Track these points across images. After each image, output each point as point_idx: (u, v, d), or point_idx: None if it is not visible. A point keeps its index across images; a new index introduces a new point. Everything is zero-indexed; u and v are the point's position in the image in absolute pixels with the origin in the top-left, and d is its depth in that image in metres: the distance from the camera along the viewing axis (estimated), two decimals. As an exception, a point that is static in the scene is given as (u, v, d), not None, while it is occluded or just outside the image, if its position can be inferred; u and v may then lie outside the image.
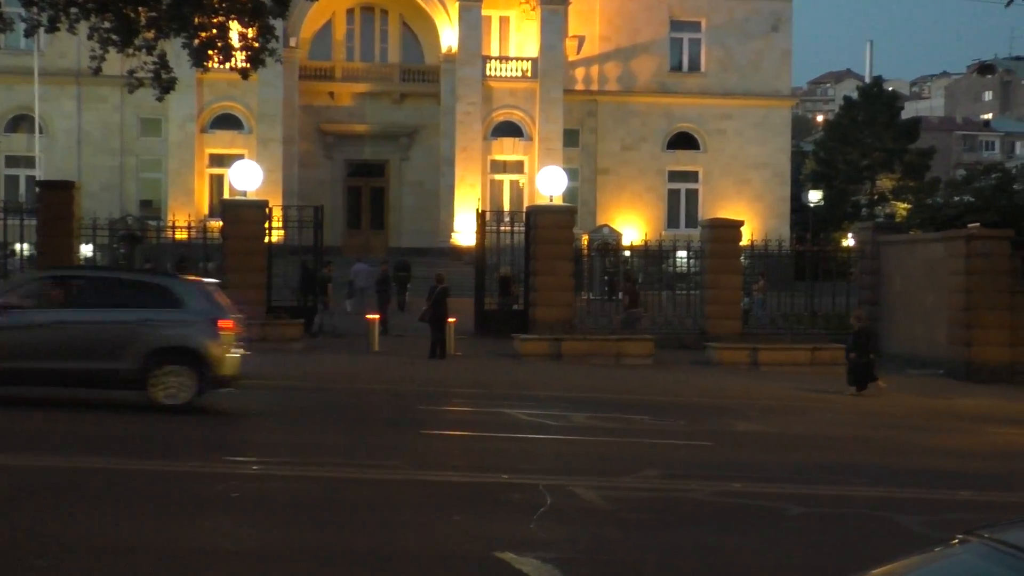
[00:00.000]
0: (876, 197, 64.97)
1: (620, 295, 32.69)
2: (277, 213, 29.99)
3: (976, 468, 14.73)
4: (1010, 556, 3.66)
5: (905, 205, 61.95)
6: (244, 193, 29.50)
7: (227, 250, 28.06)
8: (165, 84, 21.74)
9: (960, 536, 4.03)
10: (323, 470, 11.97)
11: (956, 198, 51.59)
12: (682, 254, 33.08)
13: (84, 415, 15.16)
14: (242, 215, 28.34)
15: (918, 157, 65.33)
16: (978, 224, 29.70)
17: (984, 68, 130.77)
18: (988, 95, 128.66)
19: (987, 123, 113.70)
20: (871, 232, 32.51)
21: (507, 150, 49.00)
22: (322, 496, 10.73)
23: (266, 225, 28.73)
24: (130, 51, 21.53)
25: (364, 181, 50.97)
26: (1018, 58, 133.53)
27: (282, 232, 31.08)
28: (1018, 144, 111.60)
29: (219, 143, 47.04)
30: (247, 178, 29.51)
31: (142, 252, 34.45)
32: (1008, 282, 27.30)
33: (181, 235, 31.19)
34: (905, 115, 72.42)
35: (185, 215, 36.39)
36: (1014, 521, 4.08)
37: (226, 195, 41.90)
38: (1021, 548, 3.66)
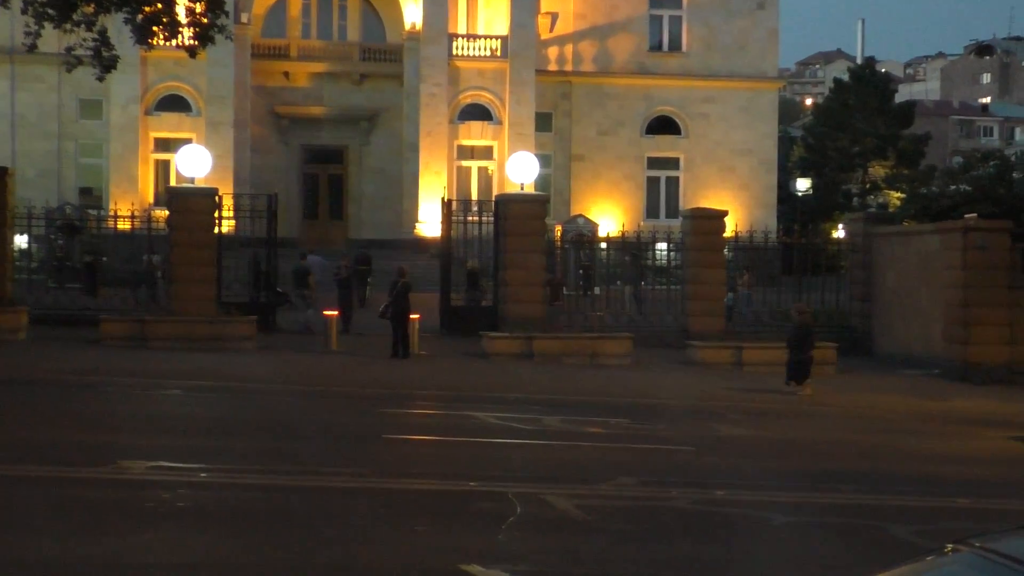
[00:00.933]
0: (868, 186, 65.38)
1: (596, 290, 32.78)
2: (228, 202, 29.86)
3: (973, 474, 14.88)
4: (1002, 566, 3.72)
5: (898, 195, 62.39)
6: (192, 180, 29.36)
7: (174, 242, 27.91)
8: (106, 63, 21.62)
9: (951, 545, 4.09)
10: (278, 478, 11.95)
11: (952, 187, 52.02)
12: (662, 246, 33.16)
13: None
14: (190, 204, 28.20)
15: (912, 143, 65.80)
16: (975, 215, 29.91)
17: (982, 49, 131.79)
18: (986, 78, 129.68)
19: (985, 107, 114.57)
20: (862, 223, 32.72)
21: (475, 135, 48.95)
22: (277, 506, 10.72)
23: (216, 215, 28.59)
24: (68, 27, 21.38)
25: (322, 168, 50.78)
26: (1018, 38, 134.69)
27: (233, 223, 30.94)
28: (1018, 130, 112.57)
29: (165, 126, 46.75)
30: (195, 164, 29.37)
31: (81, 243, 34.27)
32: (1007, 277, 27.50)
33: (124, 225, 30.99)
34: (899, 99, 73.00)
35: (128, 204, 36.19)
36: (1006, 530, 4.14)
37: (172, 182, 41.58)
38: (1013, 558, 3.72)
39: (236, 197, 31.40)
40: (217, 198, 28.78)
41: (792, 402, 21.89)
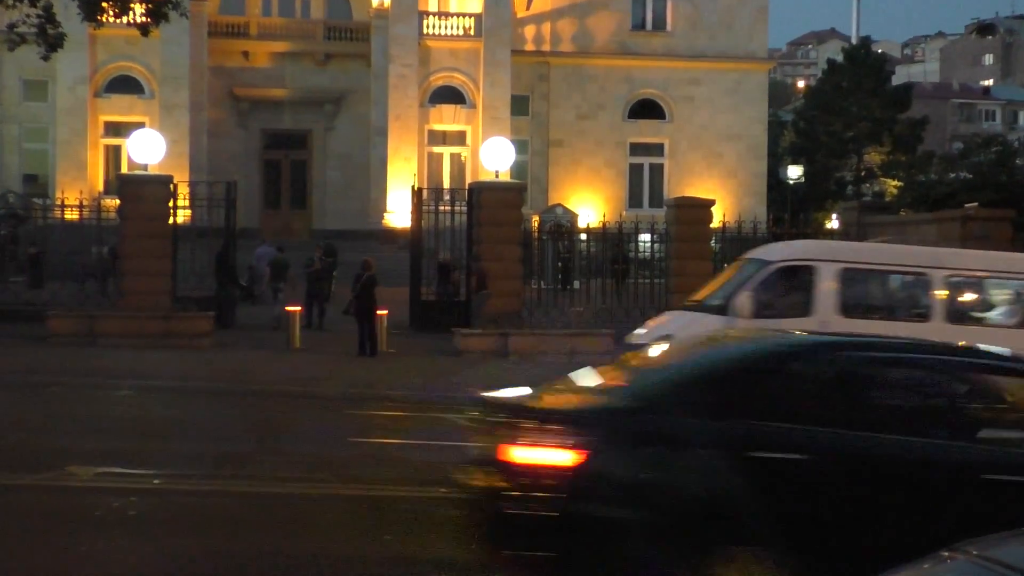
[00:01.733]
0: (863, 173, 65.67)
1: (576, 283, 32.83)
2: (183, 190, 29.73)
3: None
4: (997, 573, 3.76)
5: (895, 182, 62.65)
6: (145, 167, 29.23)
7: (125, 233, 27.77)
8: (52, 41, 21.49)
9: (946, 552, 4.12)
10: (236, 484, 11.92)
11: (952, 174, 52.25)
12: (645, 237, 33.22)
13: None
14: (143, 192, 28.06)
15: (909, 128, 66.11)
16: (976, 204, 30.08)
17: (984, 28, 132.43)
18: (988, 59, 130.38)
19: (987, 90, 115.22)
20: (857, 212, 32.93)
21: (447, 119, 48.92)
22: (235, 515, 10.69)
23: (170, 204, 28.49)
24: (10, 2, 21.23)
25: (283, 154, 50.65)
26: (1021, 17, 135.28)
27: (189, 212, 30.84)
28: (1021, 114, 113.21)
29: (116, 109, 46.53)
30: (148, 149, 29.24)
31: (26, 234, 34.05)
32: (1008, 269, 27.64)
33: (71, 215, 30.82)
34: (895, 81, 73.26)
35: (76, 192, 35.95)
36: (1004, 536, 4.18)
37: (124, 169, 41.50)
38: (1007, 564, 3.76)
39: (192, 185, 31.29)
40: (172, 186, 28.66)
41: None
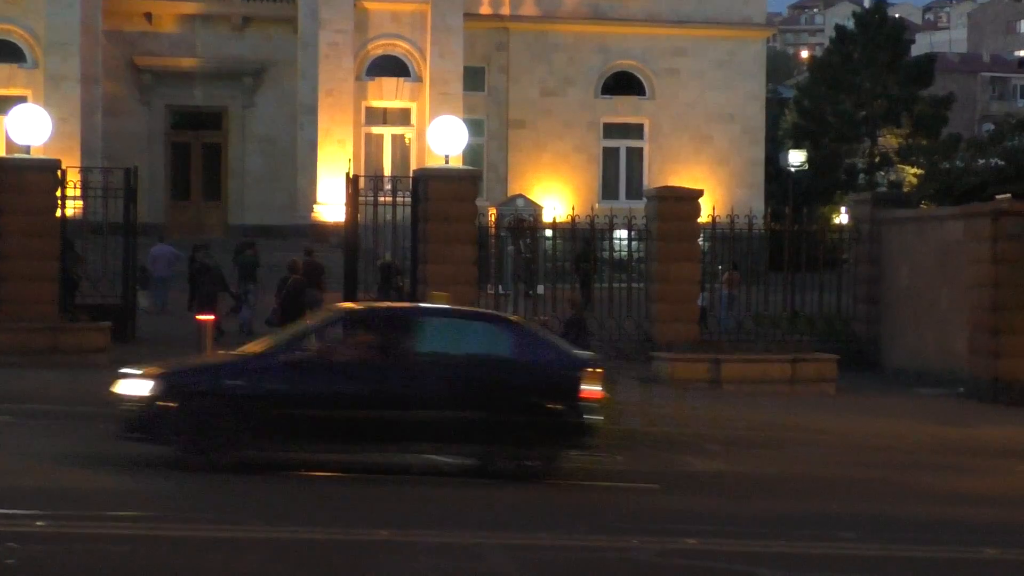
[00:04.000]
0: (877, 160, 66.17)
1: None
2: (74, 177, 29.55)
3: (1002, 518, 15.11)
4: None
5: (914, 170, 63.17)
6: (27, 150, 29.05)
7: (3, 229, 27.63)
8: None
9: None
10: (135, 526, 11.88)
11: (981, 161, 52.72)
12: (621, 235, 33.28)
13: None
14: (25, 180, 27.90)
15: (932, 107, 66.68)
16: (1009, 196, 30.27)
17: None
18: (1023, 25, 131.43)
19: (1022, 62, 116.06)
20: (869, 206, 33.04)
21: (388, 94, 48.83)
22: (133, 563, 10.66)
23: (58, 194, 28.35)
24: None
25: (194, 135, 50.44)
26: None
27: (81, 204, 30.67)
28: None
29: (-8, 81, 46.28)
30: (31, 129, 29.05)
31: None
32: (1047, 273, 27.88)
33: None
34: (915, 52, 73.92)
35: (-55, 180, 35.68)
36: None
37: (2, 152, 41.20)
38: None
39: (85, 171, 31.09)
40: (59, 173, 28.51)
41: (762, 429, 22.09)
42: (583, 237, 33.31)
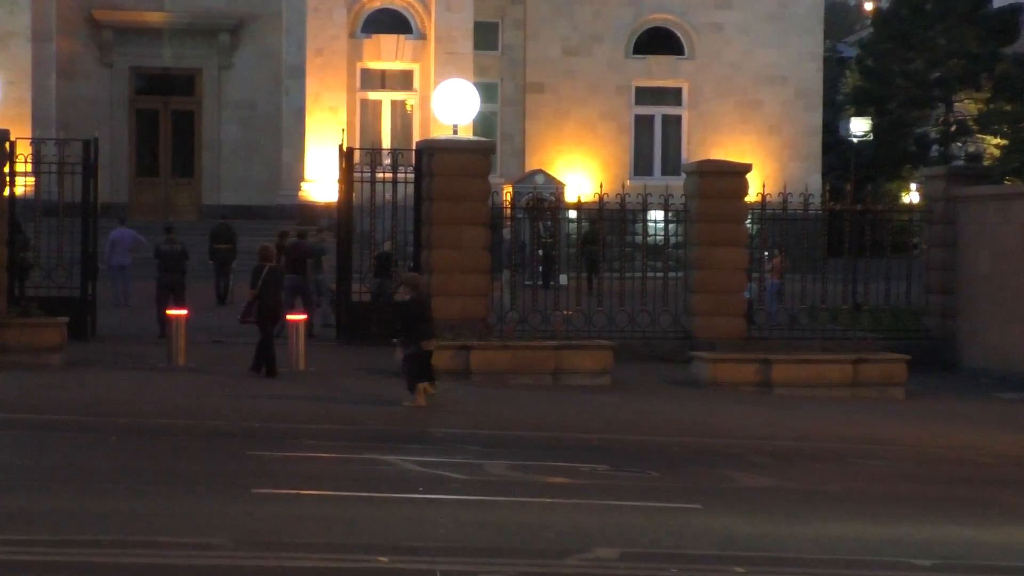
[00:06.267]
0: (953, 128, 65.99)
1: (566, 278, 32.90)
2: (24, 150, 29.66)
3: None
4: None
5: (997, 140, 63.02)
6: (-28, 119, 29.18)
7: (-55, 209, 27.76)
8: None
9: None
10: (99, 553, 11.93)
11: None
12: (657, 216, 33.29)
13: None
14: (-32, 154, 28.02)
15: (1017, 67, 66.39)
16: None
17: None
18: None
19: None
20: (944, 182, 33.00)
21: (387, 54, 48.85)
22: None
23: (6, 169, 28.44)
24: None
25: (162, 101, 50.56)
26: None
27: (32, 180, 30.77)
28: None
29: (-69, 40, 46.45)
30: (-25, 96, 29.18)
31: None
32: None
33: None
34: (998, 2, 73.46)
35: None
36: None
37: (-57, 122, 41.38)
38: None
39: (36, 143, 31.17)
40: (7, 144, 28.59)
41: (819, 439, 22.07)
42: (587, 218, 33.19)
